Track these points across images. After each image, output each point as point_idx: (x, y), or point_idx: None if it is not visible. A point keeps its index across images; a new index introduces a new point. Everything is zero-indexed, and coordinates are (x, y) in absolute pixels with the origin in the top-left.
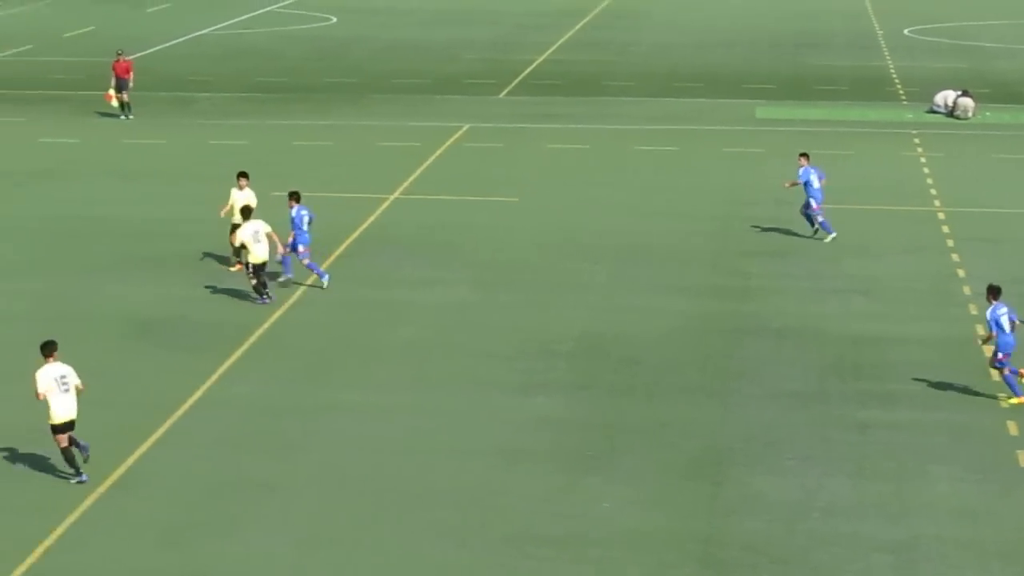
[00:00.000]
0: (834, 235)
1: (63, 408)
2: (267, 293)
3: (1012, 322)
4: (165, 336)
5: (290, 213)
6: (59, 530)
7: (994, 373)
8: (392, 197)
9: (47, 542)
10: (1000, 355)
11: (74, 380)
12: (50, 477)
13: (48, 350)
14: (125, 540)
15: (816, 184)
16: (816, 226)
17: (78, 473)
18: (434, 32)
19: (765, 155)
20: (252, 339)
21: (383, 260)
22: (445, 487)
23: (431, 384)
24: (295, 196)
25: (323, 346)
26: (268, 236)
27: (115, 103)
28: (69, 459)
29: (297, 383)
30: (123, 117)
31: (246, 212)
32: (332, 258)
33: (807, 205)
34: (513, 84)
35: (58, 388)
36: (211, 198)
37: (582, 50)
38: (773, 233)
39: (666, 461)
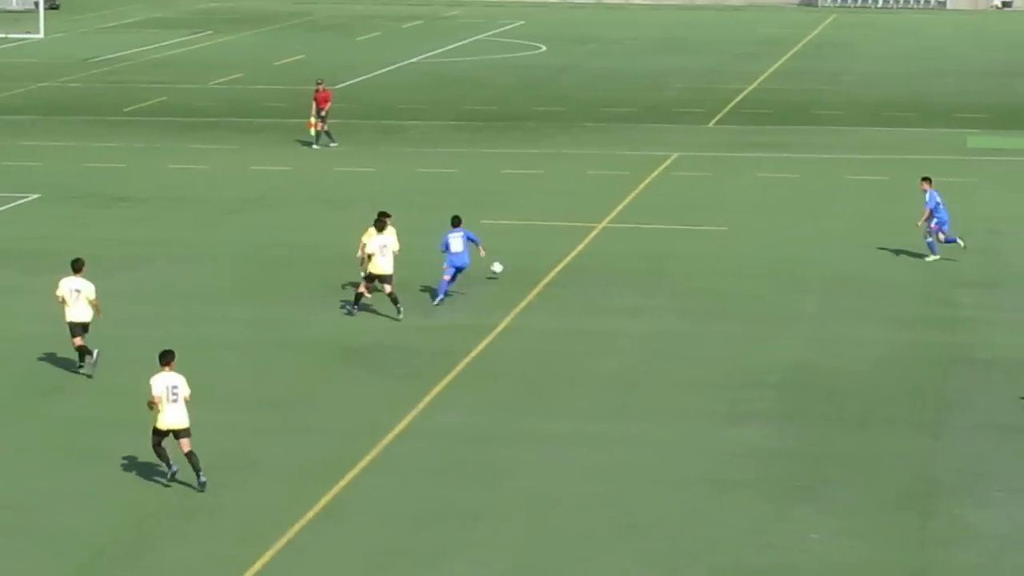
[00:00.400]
0: (936, 256)
1: (170, 417)
2: (355, 307)
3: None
4: (374, 363)
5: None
6: (265, 557)
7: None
8: (601, 225)
9: (254, 568)
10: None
11: (184, 391)
12: (257, 505)
13: (166, 359)
14: (331, 568)
15: (943, 206)
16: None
17: (169, 466)
18: (643, 61)
19: (976, 184)
20: (460, 367)
21: (591, 288)
22: (652, 516)
23: (638, 413)
24: (456, 221)
25: (530, 374)
26: (393, 253)
27: (313, 131)
28: (161, 456)
29: (504, 411)
30: (315, 146)
31: (380, 224)
32: (540, 286)
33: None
34: (722, 113)
35: (168, 397)
36: (420, 227)
37: (791, 79)
38: (983, 263)
39: (875, 492)
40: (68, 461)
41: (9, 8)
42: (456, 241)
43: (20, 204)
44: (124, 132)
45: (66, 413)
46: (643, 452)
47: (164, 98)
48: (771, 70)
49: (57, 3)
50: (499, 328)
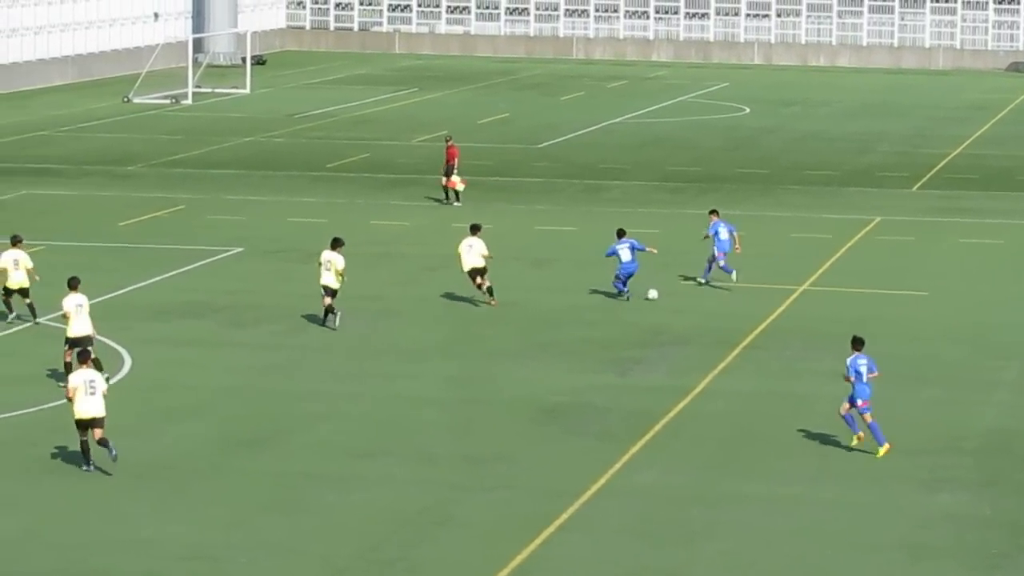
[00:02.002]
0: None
1: (88, 407)
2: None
3: (871, 372)
4: (570, 422)
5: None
6: None
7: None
8: (801, 288)
9: None
10: (859, 402)
11: (101, 386)
12: (452, 561)
13: (83, 358)
14: None
15: (724, 236)
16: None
17: (87, 463)
18: (846, 125)
19: None
20: (657, 427)
21: (790, 351)
22: None
23: (834, 476)
24: (621, 233)
25: (727, 436)
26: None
27: (461, 187)
28: (84, 451)
29: (701, 472)
30: (451, 202)
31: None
32: (738, 348)
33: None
34: (926, 177)
35: (86, 390)
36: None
37: (997, 144)
38: None
39: None
40: (263, 512)
41: (217, 63)
42: (624, 251)
43: (223, 258)
44: (326, 188)
45: (263, 465)
46: (839, 516)
47: (367, 154)
48: (976, 135)
49: (264, 59)
50: (697, 389)
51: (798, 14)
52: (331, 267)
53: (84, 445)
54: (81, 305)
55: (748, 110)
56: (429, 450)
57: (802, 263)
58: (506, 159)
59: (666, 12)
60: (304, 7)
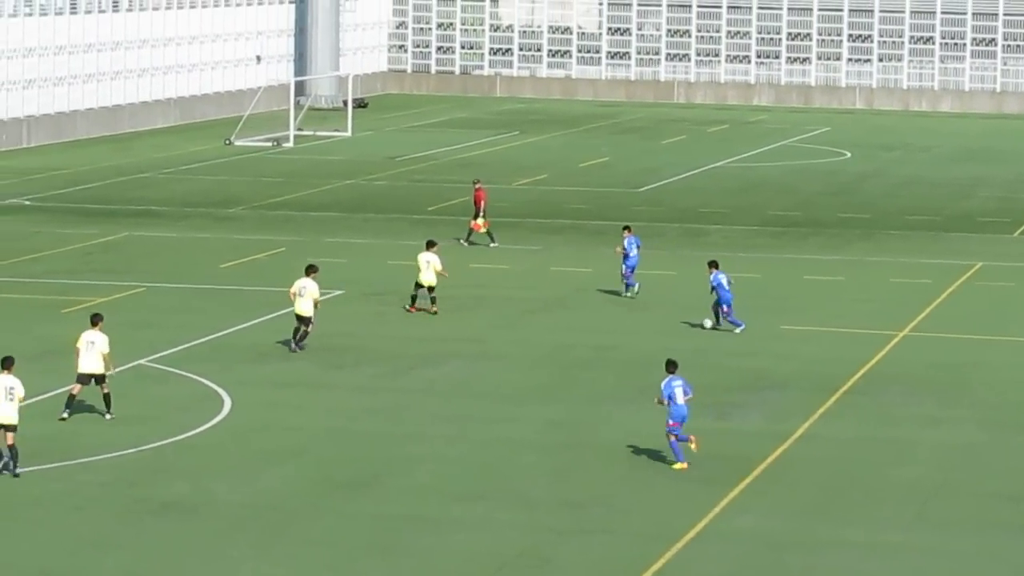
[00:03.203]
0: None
1: (2, 413)
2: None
3: (686, 395)
4: (669, 466)
5: None
6: None
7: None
8: (902, 334)
9: None
10: (671, 423)
11: (19, 392)
12: None
13: (6, 364)
14: None
15: (726, 286)
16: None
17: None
18: (948, 169)
19: None
20: (756, 472)
21: (890, 397)
22: None
23: (935, 523)
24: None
25: (827, 481)
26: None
27: (484, 230)
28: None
29: (800, 517)
30: (489, 244)
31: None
32: (838, 393)
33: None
34: None
35: (5, 396)
36: (719, 330)
37: None
38: None
39: None
40: (362, 555)
41: (318, 106)
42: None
43: (324, 300)
44: (427, 230)
45: (362, 508)
46: (939, 564)
47: (467, 198)
48: None
49: (365, 102)
50: (796, 434)
51: (900, 59)
52: (306, 294)
53: None
54: (93, 342)
55: (849, 154)
56: (528, 493)
57: (903, 308)
58: (606, 203)
59: (767, 56)
60: (406, 51)
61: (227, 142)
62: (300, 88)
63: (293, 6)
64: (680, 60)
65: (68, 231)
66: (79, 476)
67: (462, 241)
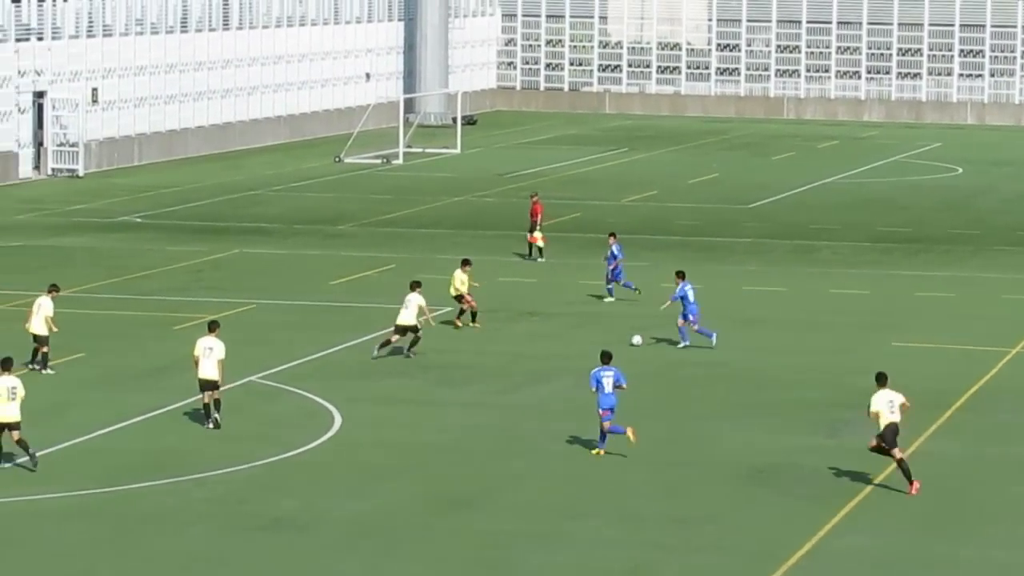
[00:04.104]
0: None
1: (5, 412)
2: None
3: (617, 384)
4: (779, 483)
5: None
6: None
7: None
8: (1014, 351)
9: None
10: (601, 411)
11: (20, 392)
12: None
13: (6, 365)
14: None
15: (691, 298)
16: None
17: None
18: None
19: None
20: (867, 489)
21: (1003, 415)
22: None
23: None
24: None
25: (939, 499)
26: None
27: (541, 243)
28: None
29: (912, 536)
30: (537, 259)
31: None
32: (950, 411)
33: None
34: None
35: (7, 396)
36: (830, 347)
37: None
38: None
39: None
40: (471, 572)
41: (428, 123)
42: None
43: (432, 316)
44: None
45: (471, 524)
46: None
47: (577, 214)
48: None
49: (474, 119)
50: (908, 451)
51: (1012, 74)
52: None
53: None
54: (212, 348)
55: (960, 170)
56: (637, 510)
57: (1015, 325)
58: (716, 219)
59: (878, 72)
60: (515, 67)
61: (337, 159)
62: (409, 105)
63: (403, 24)
64: (790, 76)
65: (179, 248)
66: (190, 492)
67: (537, 259)
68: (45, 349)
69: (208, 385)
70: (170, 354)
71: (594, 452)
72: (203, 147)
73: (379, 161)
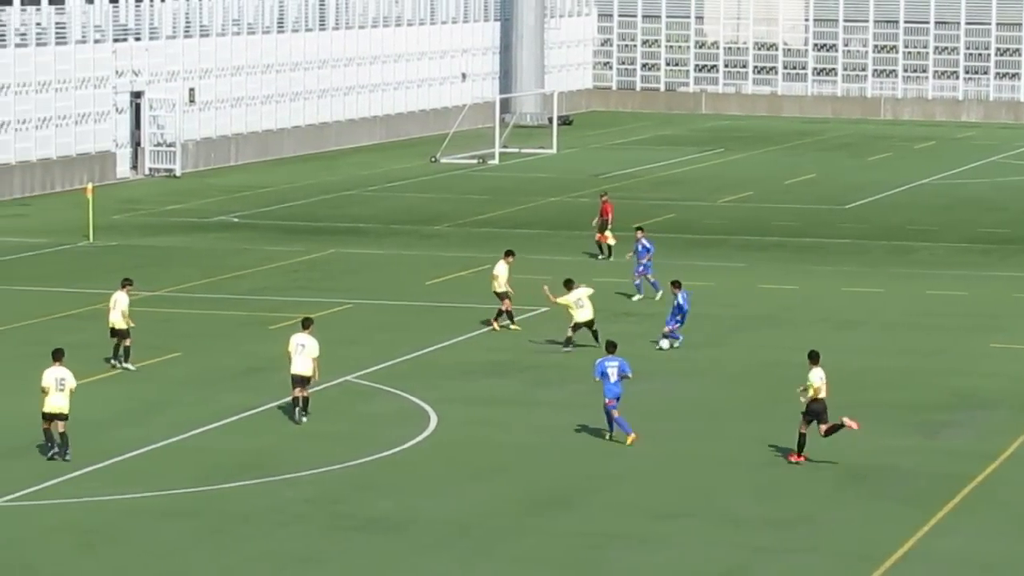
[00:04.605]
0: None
1: (54, 402)
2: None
3: (623, 373)
4: (875, 484)
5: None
6: None
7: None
8: None
9: None
10: (606, 400)
11: (70, 383)
12: None
13: (57, 356)
14: None
15: (686, 307)
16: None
17: (50, 448)
18: None
19: None
20: (965, 491)
21: None
22: None
23: None
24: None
25: None
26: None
27: (612, 241)
28: (48, 438)
29: (1011, 538)
30: (602, 257)
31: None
32: None
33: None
34: None
35: (56, 387)
36: (927, 348)
37: None
38: None
39: None
40: (566, 573)
41: (523, 124)
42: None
43: (529, 317)
44: (629, 248)
45: (566, 525)
46: None
47: (672, 215)
48: None
49: (570, 119)
50: (1006, 453)
51: None
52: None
53: (47, 433)
54: (304, 345)
55: None
56: (733, 511)
57: None
58: (812, 220)
59: (976, 72)
60: (611, 68)
61: (432, 159)
62: (505, 106)
63: (499, 24)
64: (887, 76)
65: (274, 248)
66: (285, 492)
67: (608, 258)
68: (127, 343)
69: (300, 381)
70: (265, 354)
71: (628, 440)
72: (299, 147)
73: (475, 161)
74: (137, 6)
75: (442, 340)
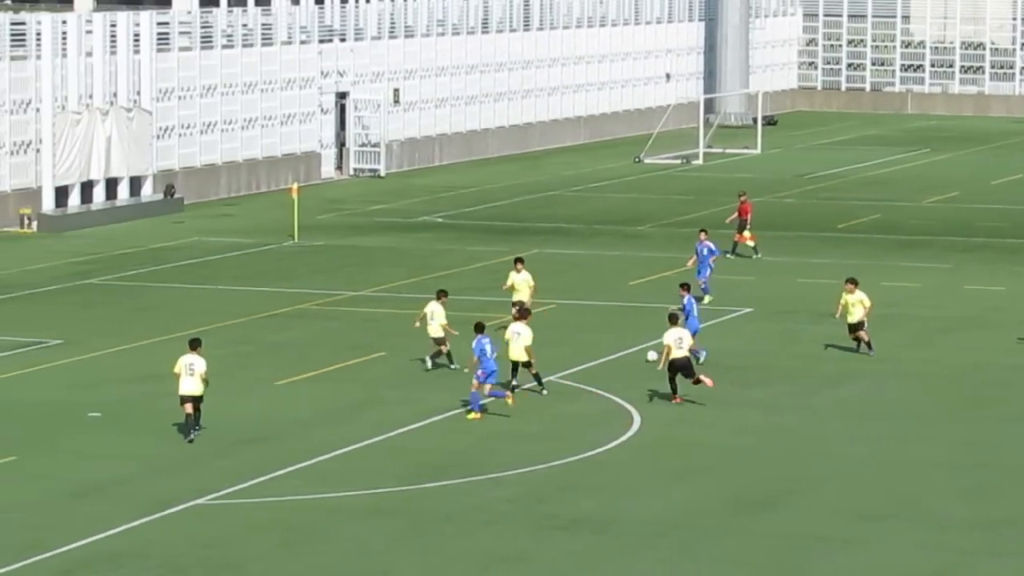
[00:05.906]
0: None
1: (185, 386)
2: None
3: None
4: None
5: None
6: None
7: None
8: None
9: None
10: (478, 373)
11: (200, 369)
12: None
13: (193, 345)
14: None
15: (695, 312)
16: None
17: (189, 433)
18: None
19: None
20: None
21: None
22: None
23: None
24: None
25: None
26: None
27: (751, 243)
28: (188, 422)
29: None
30: (756, 256)
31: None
32: None
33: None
34: None
35: (186, 372)
36: None
37: None
38: None
39: None
40: (770, 574)
41: (728, 124)
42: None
43: (733, 317)
44: (836, 248)
45: (770, 526)
46: None
47: (878, 215)
48: None
49: (775, 119)
50: None
51: None
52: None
53: (188, 418)
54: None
55: None
56: (938, 514)
57: None
58: (1020, 220)
59: None
60: (816, 68)
61: (636, 160)
62: (709, 106)
63: (703, 24)
64: None
65: (478, 248)
66: (489, 492)
67: (728, 254)
68: (445, 348)
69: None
70: (463, 355)
71: (471, 416)
72: (502, 148)
73: (679, 161)
74: (343, 7)
75: (645, 340)
